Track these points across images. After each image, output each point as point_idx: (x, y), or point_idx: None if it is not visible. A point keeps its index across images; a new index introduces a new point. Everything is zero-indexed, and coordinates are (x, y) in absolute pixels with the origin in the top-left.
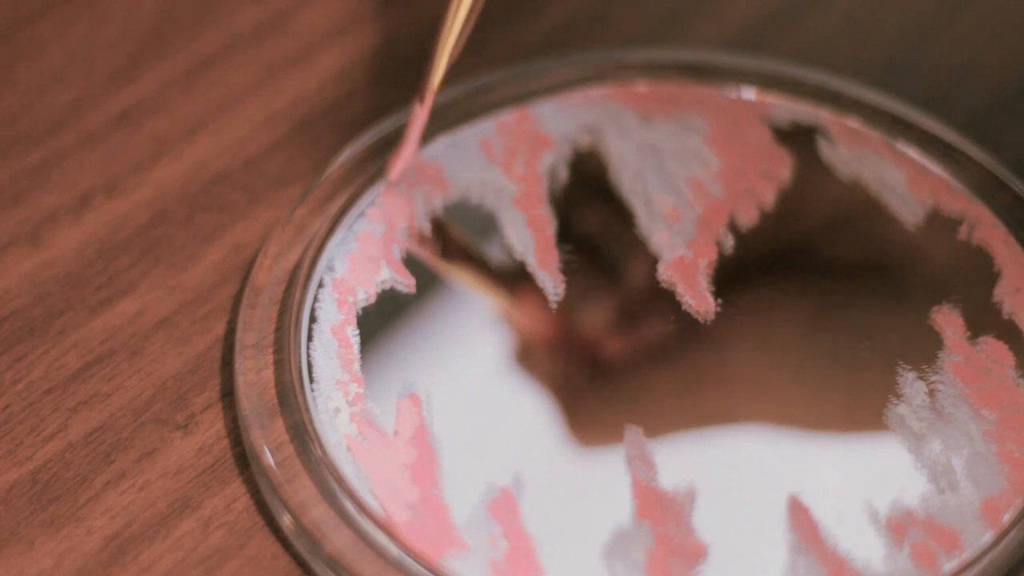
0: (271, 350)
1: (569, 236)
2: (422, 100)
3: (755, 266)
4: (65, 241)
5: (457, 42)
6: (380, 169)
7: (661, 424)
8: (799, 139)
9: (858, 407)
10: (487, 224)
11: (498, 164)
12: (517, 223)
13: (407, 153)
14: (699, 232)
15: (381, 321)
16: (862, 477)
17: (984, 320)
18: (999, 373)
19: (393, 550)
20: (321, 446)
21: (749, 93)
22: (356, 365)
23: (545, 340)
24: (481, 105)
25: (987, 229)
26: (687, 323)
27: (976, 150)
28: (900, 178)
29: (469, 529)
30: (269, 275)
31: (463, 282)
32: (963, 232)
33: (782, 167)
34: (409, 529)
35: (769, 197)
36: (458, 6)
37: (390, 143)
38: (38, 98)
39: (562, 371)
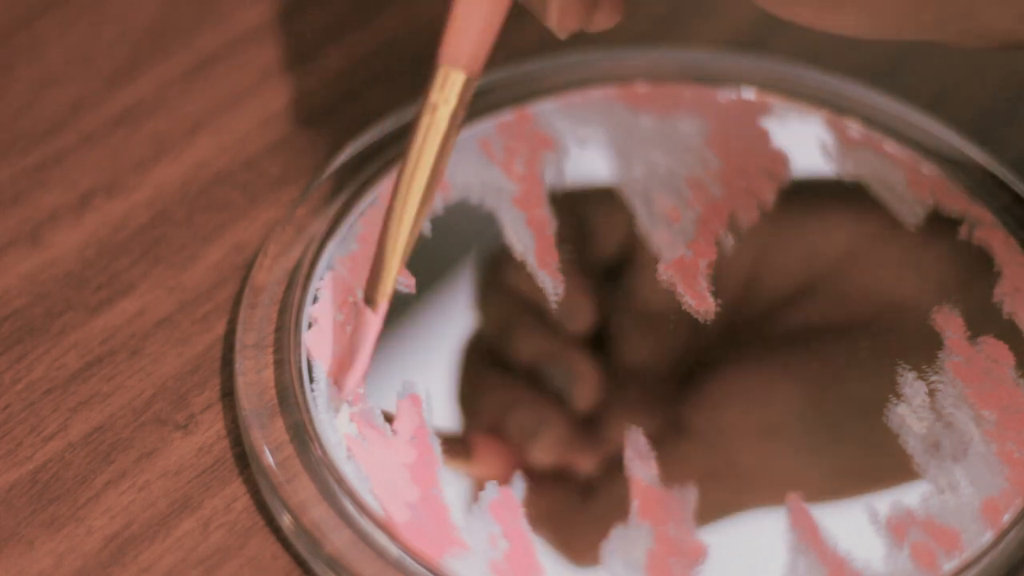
0: (271, 350)
1: (569, 236)
2: (375, 307)
3: (755, 266)
4: (65, 241)
5: (407, 247)
6: (380, 170)
7: (662, 424)
8: (799, 139)
9: (858, 407)
10: (487, 224)
11: (498, 164)
12: (517, 223)
13: (360, 367)
14: (699, 232)
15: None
16: (862, 477)
17: (984, 320)
18: (999, 373)
19: (393, 550)
20: (321, 446)
21: (749, 93)
22: None
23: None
24: (481, 105)
25: (987, 229)
26: (687, 323)
27: (976, 150)
28: (900, 178)
29: (469, 529)
30: (269, 275)
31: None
32: (963, 232)
33: (782, 167)
34: (409, 529)
35: (769, 197)
36: (403, 209)
37: (389, 144)
38: (38, 98)
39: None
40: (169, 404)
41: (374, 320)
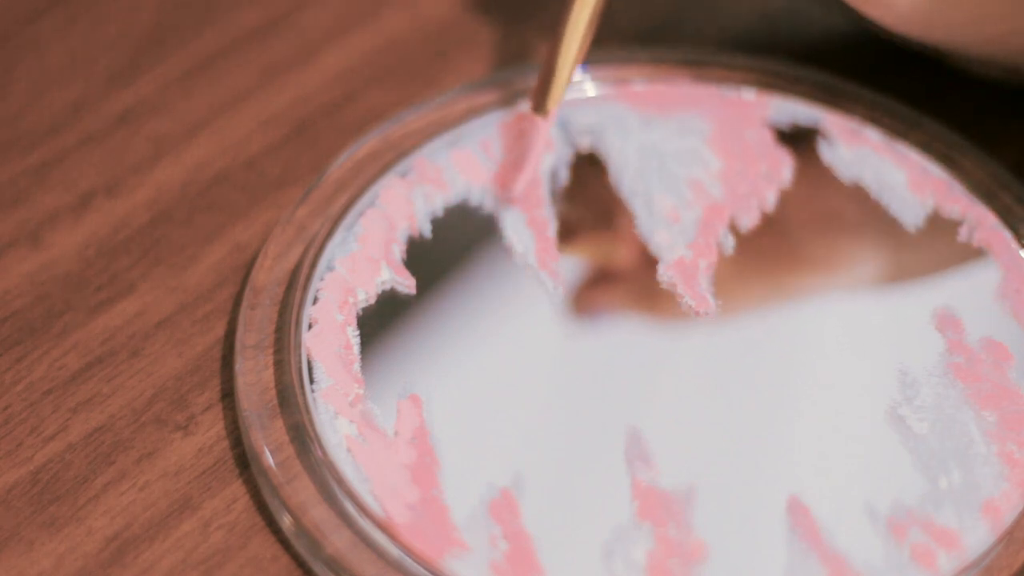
0: (271, 351)
1: (569, 236)
2: (546, 115)
3: (755, 267)
4: (65, 241)
5: (579, 55)
6: (380, 171)
7: (662, 423)
8: (799, 140)
9: (858, 407)
10: (487, 224)
11: (498, 164)
12: (517, 223)
13: (530, 169)
14: (699, 232)
15: (381, 322)
16: (862, 477)
17: (984, 320)
18: (999, 373)
19: (393, 551)
20: (321, 447)
21: (749, 93)
22: (356, 366)
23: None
24: (481, 105)
25: (987, 230)
26: (687, 323)
27: (976, 150)
28: (900, 179)
29: (469, 529)
30: (269, 275)
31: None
32: (963, 233)
33: (782, 168)
34: (409, 530)
35: (769, 198)
36: (578, 16)
37: (390, 145)
38: (38, 98)
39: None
40: (169, 405)
41: (544, 126)
